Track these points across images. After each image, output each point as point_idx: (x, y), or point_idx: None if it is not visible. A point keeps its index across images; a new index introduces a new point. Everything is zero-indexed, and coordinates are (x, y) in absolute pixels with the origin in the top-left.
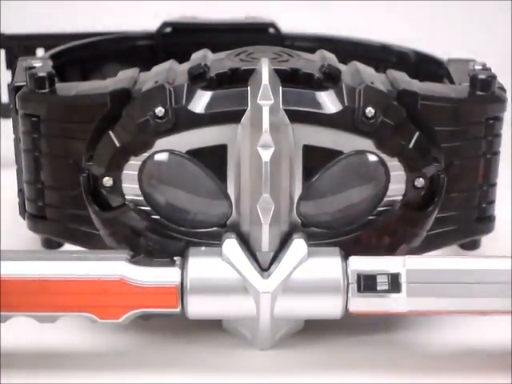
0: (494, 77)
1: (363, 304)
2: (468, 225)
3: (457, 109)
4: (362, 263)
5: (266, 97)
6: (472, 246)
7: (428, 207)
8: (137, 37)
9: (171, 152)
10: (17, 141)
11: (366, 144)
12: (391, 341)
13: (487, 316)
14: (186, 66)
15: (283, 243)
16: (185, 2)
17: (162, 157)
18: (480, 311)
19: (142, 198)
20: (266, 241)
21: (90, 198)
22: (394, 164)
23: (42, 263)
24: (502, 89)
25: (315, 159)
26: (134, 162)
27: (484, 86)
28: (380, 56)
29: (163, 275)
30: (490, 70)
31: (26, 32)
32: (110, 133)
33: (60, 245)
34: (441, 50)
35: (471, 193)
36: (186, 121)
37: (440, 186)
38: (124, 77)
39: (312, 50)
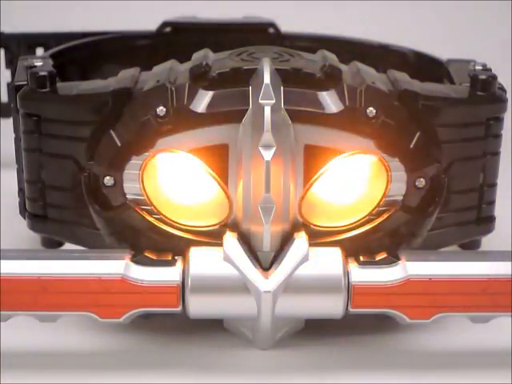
0: (494, 77)
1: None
2: (468, 225)
3: (457, 109)
4: None
5: (267, 96)
6: (472, 246)
7: (428, 207)
8: (137, 36)
9: (172, 151)
10: (17, 140)
11: (367, 144)
12: (391, 341)
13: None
14: (187, 65)
15: (284, 243)
16: (185, 1)
17: (163, 156)
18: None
19: (143, 198)
20: (267, 240)
21: (91, 197)
22: (394, 164)
23: (43, 262)
24: (502, 89)
25: (316, 159)
26: (136, 162)
27: (484, 86)
28: (380, 56)
29: (164, 274)
30: (490, 70)
31: (26, 31)
32: (112, 132)
33: (60, 244)
34: (441, 50)
35: (471, 193)
36: (188, 120)
37: (441, 187)
38: (125, 76)
39: (312, 50)
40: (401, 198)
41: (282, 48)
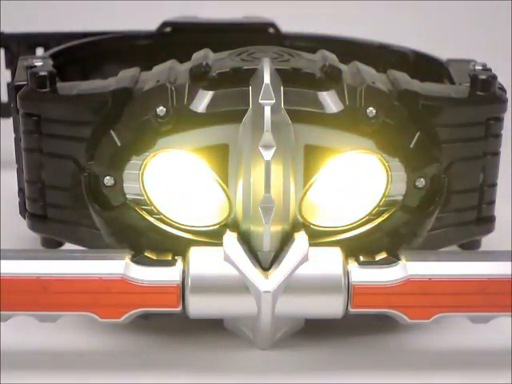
0: (494, 77)
1: None
2: (468, 225)
3: (457, 109)
4: None
5: (267, 96)
6: (472, 246)
7: (428, 207)
8: (137, 36)
9: (172, 151)
10: (17, 140)
11: (367, 144)
12: (391, 341)
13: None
14: (187, 65)
15: (284, 243)
16: (185, 1)
17: (163, 156)
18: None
19: (143, 198)
20: (267, 240)
21: (91, 197)
22: (394, 164)
23: (43, 262)
24: (502, 89)
25: (316, 159)
26: (136, 162)
27: (484, 86)
28: (380, 56)
29: (164, 274)
30: (490, 70)
31: (26, 31)
32: (112, 132)
33: (60, 244)
34: (441, 50)
35: (471, 193)
36: (188, 120)
37: (441, 187)
38: (125, 76)
39: (312, 50)
40: (401, 197)
41: (282, 48)
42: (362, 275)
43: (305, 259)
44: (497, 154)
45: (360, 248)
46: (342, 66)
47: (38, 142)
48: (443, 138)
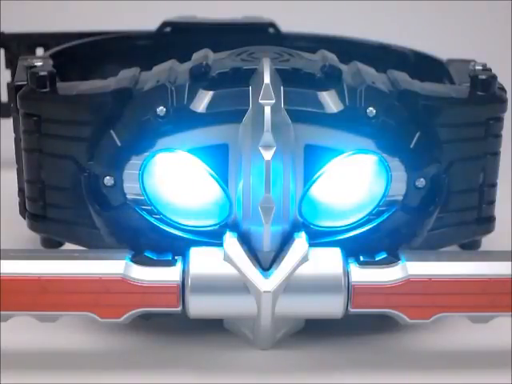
0: (494, 77)
1: None
2: (468, 225)
3: (457, 109)
4: None
5: (267, 96)
6: (472, 246)
7: (428, 207)
8: (137, 36)
9: (172, 151)
10: (17, 140)
11: (367, 144)
12: (391, 341)
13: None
14: (187, 65)
15: (284, 243)
16: (185, 1)
17: (163, 156)
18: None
19: (143, 198)
20: (267, 240)
21: (91, 197)
22: (394, 164)
23: (43, 262)
24: (503, 89)
25: (316, 159)
26: (136, 162)
27: (484, 86)
28: (380, 56)
29: (164, 274)
30: (490, 70)
31: (26, 31)
32: (112, 132)
33: (60, 244)
34: (441, 50)
35: (471, 193)
36: (188, 120)
37: (441, 186)
38: (125, 76)
39: (312, 50)
40: (401, 198)
41: (283, 48)
42: (362, 275)
43: (305, 259)
44: (497, 154)
45: (360, 248)
46: (342, 66)
47: (37, 142)
48: (443, 138)
